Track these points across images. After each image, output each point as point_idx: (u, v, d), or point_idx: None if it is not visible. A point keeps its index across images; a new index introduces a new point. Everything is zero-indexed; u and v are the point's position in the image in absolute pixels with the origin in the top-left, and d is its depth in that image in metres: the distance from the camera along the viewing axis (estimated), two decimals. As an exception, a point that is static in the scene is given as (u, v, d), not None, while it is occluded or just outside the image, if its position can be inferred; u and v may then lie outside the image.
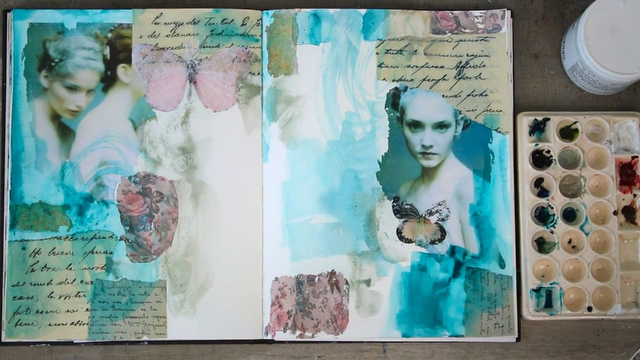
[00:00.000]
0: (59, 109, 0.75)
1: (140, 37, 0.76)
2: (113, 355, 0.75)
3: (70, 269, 0.74)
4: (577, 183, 0.75)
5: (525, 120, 0.75)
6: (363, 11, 0.76)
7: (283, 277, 0.74)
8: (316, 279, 0.74)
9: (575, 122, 0.75)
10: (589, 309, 0.74)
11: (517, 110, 0.76)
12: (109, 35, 0.75)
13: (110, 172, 0.75)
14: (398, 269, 0.74)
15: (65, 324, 0.74)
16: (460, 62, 0.76)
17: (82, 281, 0.74)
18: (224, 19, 0.76)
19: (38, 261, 0.74)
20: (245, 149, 0.75)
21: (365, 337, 0.74)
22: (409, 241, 0.74)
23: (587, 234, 0.74)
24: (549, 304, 0.74)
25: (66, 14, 0.76)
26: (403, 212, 0.75)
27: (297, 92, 0.75)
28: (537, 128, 0.76)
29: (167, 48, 0.75)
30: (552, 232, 0.74)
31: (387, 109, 0.75)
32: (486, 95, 0.75)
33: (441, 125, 0.75)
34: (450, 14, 0.76)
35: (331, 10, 0.76)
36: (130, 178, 0.75)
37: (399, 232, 0.75)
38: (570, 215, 0.76)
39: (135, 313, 0.74)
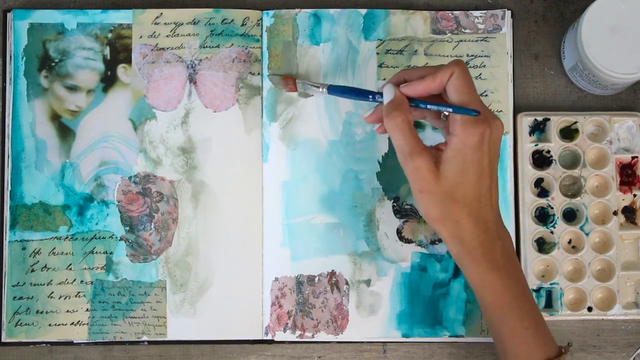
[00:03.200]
0: (59, 109, 0.75)
1: (140, 37, 0.76)
2: (113, 355, 0.75)
3: (70, 269, 0.74)
4: (577, 183, 0.75)
5: (525, 121, 0.75)
6: (363, 11, 0.76)
7: (283, 277, 0.74)
8: (316, 279, 0.74)
9: (575, 122, 0.75)
10: (589, 309, 0.74)
11: (517, 111, 0.76)
12: (109, 35, 0.75)
13: (110, 172, 0.75)
14: (398, 269, 0.74)
15: (65, 324, 0.74)
16: (461, 62, 0.76)
17: (82, 281, 0.74)
18: (224, 19, 0.76)
19: (38, 261, 0.74)
20: (245, 149, 0.75)
21: (365, 337, 0.74)
22: (409, 241, 0.75)
23: (587, 234, 0.74)
24: (549, 304, 0.74)
25: (66, 14, 0.76)
26: (403, 212, 0.75)
27: (297, 92, 0.75)
28: (537, 128, 0.76)
29: (167, 48, 0.75)
30: (552, 232, 0.74)
31: (387, 109, 0.75)
32: (486, 95, 0.75)
33: (441, 126, 0.75)
34: (450, 14, 0.76)
35: (331, 11, 0.76)
36: (130, 178, 0.75)
37: (399, 232, 0.75)
38: (570, 216, 0.76)
39: (135, 313, 0.74)
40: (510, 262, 0.61)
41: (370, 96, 0.64)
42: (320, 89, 0.68)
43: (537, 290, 0.74)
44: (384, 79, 0.75)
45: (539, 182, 0.75)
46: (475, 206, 0.60)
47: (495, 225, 0.61)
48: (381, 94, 0.63)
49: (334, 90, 0.68)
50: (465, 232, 0.60)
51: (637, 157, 0.75)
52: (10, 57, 0.75)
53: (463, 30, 0.76)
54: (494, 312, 0.61)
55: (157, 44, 0.76)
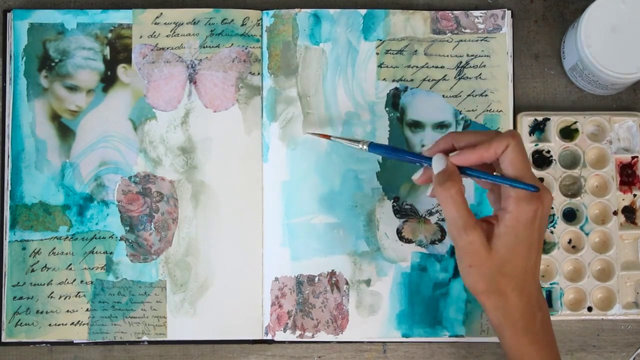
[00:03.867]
0: (59, 109, 0.75)
1: (140, 37, 0.76)
2: (113, 355, 0.75)
3: (70, 269, 0.74)
4: (577, 183, 0.75)
5: (525, 121, 0.75)
6: (363, 11, 0.76)
7: (283, 277, 0.74)
8: (316, 279, 0.74)
9: (575, 122, 0.75)
10: (589, 309, 0.74)
11: (517, 110, 0.76)
12: (109, 35, 0.75)
13: (110, 172, 0.75)
14: (398, 269, 0.74)
15: (65, 324, 0.74)
16: (461, 62, 0.76)
17: (82, 281, 0.74)
18: (224, 19, 0.76)
19: (38, 261, 0.74)
20: (245, 149, 0.75)
21: (365, 337, 0.74)
22: (409, 241, 0.74)
23: (587, 234, 0.74)
24: (549, 304, 0.74)
25: (66, 14, 0.76)
26: (403, 212, 0.75)
27: (297, 92, 0.75)
28: (537, 128, 0.76)
29: (167, 48, 0.75)
30: (552, 232, 0.74)
31: (387, 109, 0.75)
32: (486, 95, 0.75)
33: (441, 126, 0.75)
34: (450, 14, 0.76)
35: (331, 11, 0.76)
36: (130, 178, 0.75)
37: (399, 232, 0.75)
38: (570, 215, 0.76)
39: (135, 313, 0.74)
40: (548, 334, 0.62)
41: (417, 161, 0.63)
42: (361, 146, 0.66)
43: (537, 290, 0.74)
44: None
45: (539, 182, 0.75)
46: (521, 279, 0.60)
47: (536, 297, 0.61)
48: (429, 159, 0.62)
49: (375, 148, 0.66)
50: (510, 304, 0.60)
51: (637, 157, 0.75)
52: (10, 57, 0.75)
53: (463, 30, 0.76)
54: None
55: (157, 44, 0.76)
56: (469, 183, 0.75)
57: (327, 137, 0.69)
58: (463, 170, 0.61)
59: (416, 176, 0.64)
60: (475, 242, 0.59)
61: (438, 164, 0.61)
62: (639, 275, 0.74)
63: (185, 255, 0.74)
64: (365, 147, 0.66)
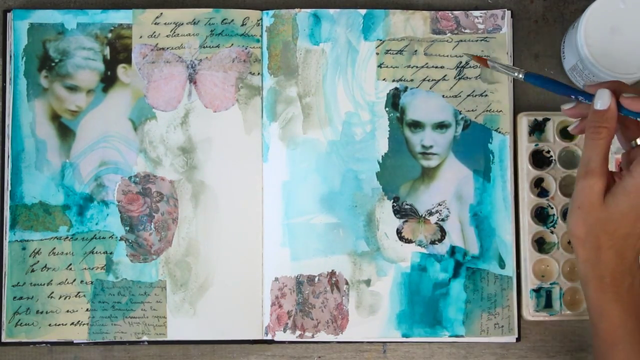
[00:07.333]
0: (59, 109, 0.75)
1: (140, 37, 0.76)
2: (113, 355, 0.75)
3: (70, 269, 0.74)
4: (577, 183, 0.75)
5: (525, 121, 0.75)
6: (363, 11, 0.76)
7: (283, 277, 0.74)
8: (316, 279, 0.74)
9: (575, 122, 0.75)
10: (589, 309, 0.74)
11: (517, 111, 0.76)
12: (109, 35, 0.75)
13: (110, 172, 0.75)
14: (398, 269, 0.74)
15: (65, 324, 0.74)
16: (460, 62, 0.76)
17: (82, 281, 0.74)
18: (224, 19, 0.76)
19: (38, 261, 0.74)
20: (245, 149, 0.75)
21: (365, 337, 0.74)
22: (409, 241, 0.75)
23: (587, 234, 0.74)
24: (549, 304, 0.74)
25: (66, 14, 0.76)
26: (403, 212, 0.75)
27: (297, 92, 0.75)
28: (537, 128, 0.76)
29: (167, 48, 0.75)
30: (552, 232, 0.74)
31: (387, 109, 0.75)
32: (486, 95, 0.75)
33: (441, 126, 0.75)
34: (450, 14, 0.76)
35: (331, 11, 0.76)
36: (130, 178, 0.75)
37: (399, 232, 0.75)
38: (570, 216, 0.76)
39: (135, 313, 0.74)
40: (633, 298, 0.62)
41: (574, 94, 0.62)
42: (516, 74, 0.64)
43: (537, 290, 0.74)
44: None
45: (539, 182, 0.75)
46: (621, 243, 0.60)
47: (630, 263, 0.61)
48: (586, 95, 0.61)
49: (532, 77, 0.64)
50: (602, 260, 0.60)
51: (637, 157, 0.75)
52: (10, 57, 0.75)
53: (463, 30, 0.76)
54: (605, 340, 0.62)
55: (157, 44, 0.76)
56: (468, 184, 0.75)
57: (485, 62, 0.66)
58: (624, 111, 0.60)
59: (566, 107, 0.63)
60: (592, 188, 0.59)
61: (602, 101, 0.60)
62: (639, 275, 0.74)
63: (185, 255, 0.74)
64: (521, 75, 0.64)
